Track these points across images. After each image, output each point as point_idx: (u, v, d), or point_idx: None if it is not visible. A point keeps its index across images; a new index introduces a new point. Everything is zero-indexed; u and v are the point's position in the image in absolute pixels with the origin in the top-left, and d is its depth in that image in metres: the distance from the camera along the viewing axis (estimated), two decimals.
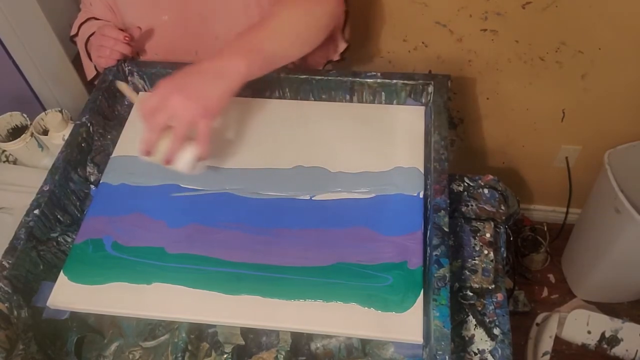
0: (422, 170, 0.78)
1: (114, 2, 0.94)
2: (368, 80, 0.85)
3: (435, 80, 0.84)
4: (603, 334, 1.45)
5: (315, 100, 0.89)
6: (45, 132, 1.02)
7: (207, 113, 0.67)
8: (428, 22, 1.20)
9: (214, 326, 0.72)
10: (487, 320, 0.75)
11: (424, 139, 0.82)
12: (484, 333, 0.73)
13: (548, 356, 1.44)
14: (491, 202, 0.85)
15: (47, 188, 0.75)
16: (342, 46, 0.95)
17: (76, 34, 0.98)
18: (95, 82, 0.96)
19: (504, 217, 0.84)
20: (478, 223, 0.81)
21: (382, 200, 0.76)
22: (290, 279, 0.69)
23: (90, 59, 0.95)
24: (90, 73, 0.98)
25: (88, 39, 0.94)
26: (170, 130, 0.69)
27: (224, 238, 0.73)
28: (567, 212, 1.60)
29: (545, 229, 1.69)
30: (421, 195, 0.75)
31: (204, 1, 0.88)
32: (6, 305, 0.68)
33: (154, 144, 0.69)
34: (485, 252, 0.78)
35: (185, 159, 0.71)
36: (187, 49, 0.93)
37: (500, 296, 0.76)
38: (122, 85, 0.84)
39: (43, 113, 1.02)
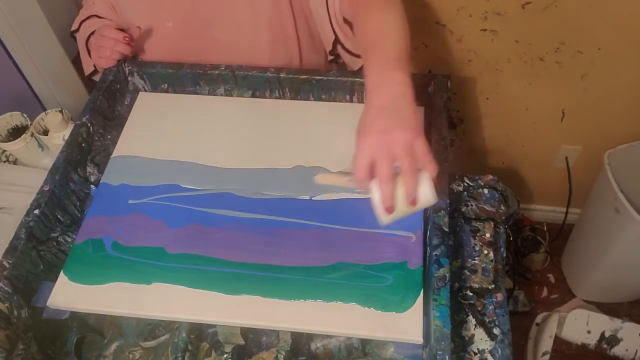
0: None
1: (117, 3, 0.94)
2: None
3: (435, 80, 0.84)
4: (603, 334, 1.45)
5: (315, 100, 0.89)
6: (45, 132, 1.02)
7: (417, 132, 0.61)
8: (428, 22, 1.20)
9: (214, 326, 0.73)
10: (487, 320, 0.75)
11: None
12: (484, 333, 0.73)
13: (548, 356, 1.44)
14: (491, 202, 0.85)
15: (47, 188, 0.75)
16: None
17: (77, 30, 0.98)
18: (93, 78, 0.96)
19: (503, 217, 0.84)
20: (478, 223, 0.81)
21: None
22: (290, 279, 0.69)
23: (90, 56, 0.95)
24: (88, 69, 0.98)
25: (89, 37, 0.94)
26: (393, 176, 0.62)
27: (224, 238, 0.73)
28: (567, 212, 1.60)
29: (545, 229, 1.69)
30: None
31: (209, 8, 0.88)
32: (6, 305, 0.68)
33: (392, 195, 0.62)
34: (485, 252, 0.78)
35: (427, 189, 0.62)
36: (190, 55, 0.93)
37: (500, 296, 0.76)
38: (323, 178, 0.75)
39: (43, 113, 1.02)
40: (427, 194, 0.62)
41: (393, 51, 0.70)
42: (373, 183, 0.62)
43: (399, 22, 0.76)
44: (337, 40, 0.88)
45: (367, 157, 0.61)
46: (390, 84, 0.66)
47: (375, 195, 0.62)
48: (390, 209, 0.62)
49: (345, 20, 0.85)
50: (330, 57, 0.94)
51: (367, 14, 0.77)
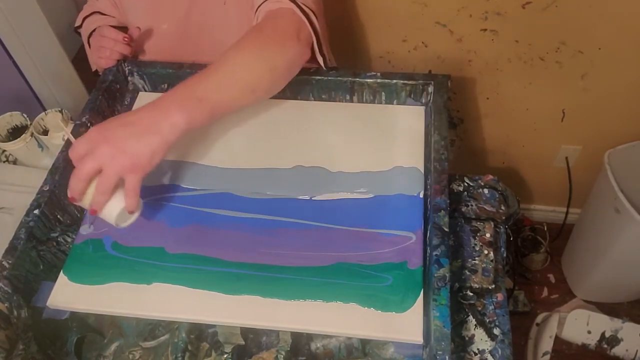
0: (422, 170, 0.78)
1: (120, 2, 0.94)
2: (368, 80, 0.85)
3: (435, 80, 0.84)
4: (603, 334, 1.45)
5: (315, 100, 0.89)
6: (45, 132, 1.02)
7: (135, 168, 0.63)
8: (428, 22, 1.20)
9: (214, 326, 0.72)
10: (487, 320, 0.75)
11: (424, 139, 0.82)
12: (484, 333, 0.73)
13: (548, 356, 1.44)
14: (491, 202, 0.85)
15: (47, 188, 0.75)
16: (321, 61, 0.86)
17: (80, 26, 0.98)
18: (100, 73, 0.96)
19: (504, 217, 0.84)
20: (478, 223, 0.81)
21: (382, 200, 0.76)
22: (290, 279, 0.69)
23: None
24: (94, 65, 0.98)
25: (91, 33, 0.94)
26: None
27: (224, 238, 0.73)
28: (567, 212, 1.60)
29: (545, 229, 1.69)
30: (421, 195, 0.75)
31: (204, 13, 0.88)
32: (6, 305, 0.68)
33: (81, 191, 0.65)
34: (485, 252, 0.78)
35: (113, 211, 0.66)
36: (185, 58, 0.93)
37: (500, 296, 0.76)
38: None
39: (43, 113, 1.02)
40: (111, 215, 0.67)
41: (204, 91, 0.67)
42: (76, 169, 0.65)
43: (252, 74, 0.71)
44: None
45: (86, 146, 0.63)
46: (162, 114, 0.64)
47: (73, 179, 0.65)
48: (72, 199, 0.66)
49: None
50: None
51: (232, 49, 0.72)
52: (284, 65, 0.73)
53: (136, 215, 0.70)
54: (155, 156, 0.64)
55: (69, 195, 0.66)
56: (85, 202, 0.67)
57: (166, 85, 0.93)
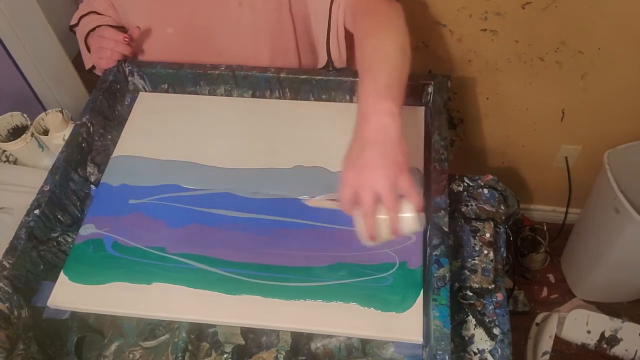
0: (422, 170, 0.78)
1: (118, 4, 0.94)
2: None
3: (435, 80, 0.84)
4: (603, 334, 1.45)
5: (315, 100, 0.89)
6: (45, 132, 1.02)
7: (400, 168, 0.63)
8: (428, 22, 1.20)
9: (214, 326, 0.73)
10: (487, 320, 0.75)
11: (424, 139, 0.82)
12: (483, 333, 0.73)
13: (548, 356, 1.44)
14: (491, 202, 0.85)
15: (48, 188, 0.75)
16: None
17: (76, 24, 0.98)
18: (94, 72, 0.96)
19: (503, 217, 0.84)
20: (478, 223, 0.81)
21: None
22: (290, 278, 0.69)
23: (89, 50, 0.95)
24: (88, 63, 0.98)
25: (88, 33, 0.94)
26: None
27: (224, 238, 0.73)
28: (566, 212, 1.60)
29: (545, 229, 1.69)
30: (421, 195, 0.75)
31: (209, 16, 0.88)
32: (6, 305, 0.68)
33: (374, 227, 0.64)
34: (485, 252, 0.78)
35: (411, 220, 0.64)
36: (189, 62, 0.93)
37: (500, 296, 0.76)
38: (314, 202, 0.78)
39: (43, 113, 1.02)
40: (410, 224, 0.64)
41: (384, 79, 0.70)
42: (357, 212, 0.64)
43: (396, 49, 0.75)
44: (329, 63, 0.89)
45: (349, 191, 0.63)
46: (376, 115, 0.66)
47: (360, 223, 0.64)
48: (373, 238, 0.64)
49: (346, 35, 0.85)
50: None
51: (366, 37, 0.76)
52: (404, 22, 0.80)
53: (424, 214, 0.67)
54: (403, 147, 0.65)
55: (368, 237, 0.64)
56: (383, 234, 0.64)
57: (166, 86, 0.93)
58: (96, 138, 0.85)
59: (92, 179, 0.83)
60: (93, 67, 0.97)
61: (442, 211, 0.69)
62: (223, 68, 0.88)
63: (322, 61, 0.90)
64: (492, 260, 0.77)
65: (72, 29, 1.00)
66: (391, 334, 0.64)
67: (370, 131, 0.65)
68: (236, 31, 0.89)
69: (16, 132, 1.03)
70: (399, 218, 0.63)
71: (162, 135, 0.86)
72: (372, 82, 0.70)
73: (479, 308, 0.76)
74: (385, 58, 0.73)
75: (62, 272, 0.71)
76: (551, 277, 1.68)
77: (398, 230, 0.64)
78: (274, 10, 0.86)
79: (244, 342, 0.72)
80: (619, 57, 1.19)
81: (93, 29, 0.92)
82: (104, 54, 0.89)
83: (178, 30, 0.90)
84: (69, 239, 0.77)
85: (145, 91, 0.94)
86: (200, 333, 0.73)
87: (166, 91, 0.94)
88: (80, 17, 0.97)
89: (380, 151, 0.64)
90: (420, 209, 0.64)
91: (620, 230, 1.31)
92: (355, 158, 0.65)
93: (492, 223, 0.81)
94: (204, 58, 0.92)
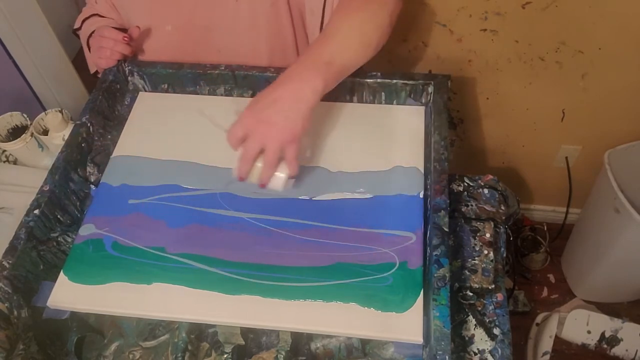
0: (422, 170, 0.78)
1: (119, 5, 0.94)
2: (368, 80, 0.85)
3: (435, 80, 0.84)
4: (603, 334, 1.45)
5: None
6: (45, 132, 1.02)
7: (293, 138, 0.69)
8: (428, 22, 1.20)
9: (214, 326, 0.72)
10: (487, 320, 0.75)
11: (424, 139, 0.82)
12: (484, 333, 0.73)
13: (548, 356, 1.44)
14: (491, 202, 0.85)
15: (47, 188, 0.75)
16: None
17: (79, 28, 0.98)
18: (99, 76, 0.96)
19: (503, 217, 0.84)
20: (478, 223, 0.81)
21: (382, 200, 0.76)
22: (290, 278, 0.69)
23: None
24: (92, 67, 0.98)
25: (91, 34, 0.94)
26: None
27: (224, 238, 0.73)
28: (567, 212, 1.60)
29: (545, 229, 1.69)
30: (421, 195, 0.75)
31: (209, 14, 0.88)
32: (6, 305, 0.68)
33: (248, 171, 0.71)
34: (485, 252, 0.78)
35: (280, 180, 0.73)
36: (188, 60, 0.93)
37: (500, 296, 0.76)
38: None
39: (43, 113, 1.02)
40: (279, 184, 0.73)
41: (329, 56, 0.73)
42: (239, 151, 0.71)
43: (360, 35, 0.76)
44: None
45: (241, 131, 0.69)
46: (301, 83, 0.70)
47: (237, 161, 0.71)
48: (241, 179, 0.72)
49: None
50: None
51: (340, 10, 0.78)
52: (387, 17, 0.79)
53: (293, 180, 0.75)
54: (306, 122, 0.69)
55: (237, 175, 0.72)
56: (253, 179, 0.72)
57: (166, 86, 0.93)
58: (96, 138, 0.85)
59: (92, 179, 0.83)
60: (97, 71, 0.97)
61: (442, 211, 0.69)
62: (223, 68, 0.88)
63: None
64: (492, 260, 0.77)
65: (75, 32, 1.00)
66: (391, 334, 0.64)
67: (287, 93, 0.70)
68: (234, 27, 0.89)
69: (16, 132, 1.03)
70: (272, 175, 0.71)
71: (162, 135, 0.86)
72: (318, 51, 0.73)
73: (479, 308, 0.76)
74: (344, 37, 0.75)
75: (62, 272, 0.71)
76: (551, 277, 1.68)
77: (265, 182, 0.72)
78: (271, 5, 0.86)
79: (244, 342, 0.72)
80: (619, 57, 1.19)
81: (94, 31, 0.93)
82: (103, 53, 0.89)
83: (177, 28, 0.91)
84: (69, 239, 0.77)
85: (145, 91, 0.94)
86: (200, 333, 0.73)
87: (166, 91, 0.93)
88: (83, 21, 0.97)
89: (285, 115, 0.68)
90: (292, 176, 0.72)
91: (620, 230, 1.31)
92: (260, 107, 0.69)
93: (492, 223, 0.81)
94: (202, 55, 0.92)
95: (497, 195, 0.85)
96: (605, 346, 1.45)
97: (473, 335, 0.73)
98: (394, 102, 0.87)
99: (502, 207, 0.84)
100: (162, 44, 0.93)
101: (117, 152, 0.85)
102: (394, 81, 0.84)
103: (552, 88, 1.30)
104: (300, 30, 0.92)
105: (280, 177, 0.73)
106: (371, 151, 0.81)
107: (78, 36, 1.00)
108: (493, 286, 0.75)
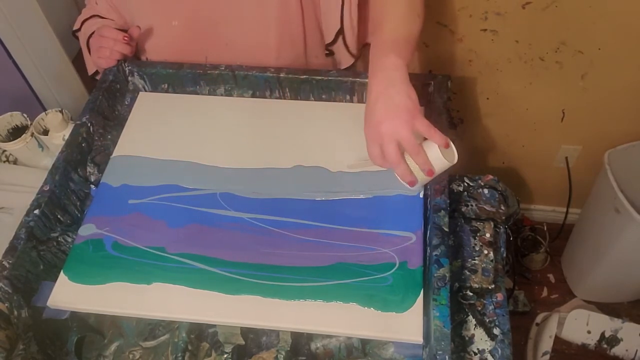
0: None
1: (123, 4, 0.93)
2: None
3: (435, 80, 0.84)
4: (603, 334, 1.45)
5: (315, 100, 0.89)
6: (45, 132, 1.02)
7: (412, 114, 0.68)
8: (428, 22, 1.20)
9: (214, 326, 0.72)
10: (487, 320, 0.75)
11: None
12: (483, 333, 0.73)
13: (548, 356, 1.44)
14: (491, 202, 0.85)
15: (47, 188, 0.75)
16: None
17: (79, 29, 0.98)
18: (97, 77, 0.96)
19: (503, 217, 0.84)
20: (478, 223, 0.81)
21: (382, 200, 0.76)
22: (290, 278, 0.69)
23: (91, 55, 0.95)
24: (91, 68, 0.98)
25: (90, 35, 0.94)
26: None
27: (224, 238, 0.73)
28: (567, 212, 1.60)
29: (545, 229, 1.69)
30: (421, 195, 0.75)
31: (215, 7, 0.87)
32: (6, 305, 0.68)
33: (408, 173, 0.70)
34: (485, 252, 0.78)
35: (438, 157, 0.70)
36: (196, 55, 0.92)
37: (500, 296, 0.76)
38: (354, 166, 0.81)
39: (43, 113, 1.02)
40: (439, 163, 0.69)
41: (390, 35, 0.74)
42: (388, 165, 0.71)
43: (405, 5, 0.78)
44: (340, 31, 0.89)
45: (375, 147, 0.69)
46: (384, 70, 0.71)
47: (396, 174, 0.72)
48: (412, 183, 0.71)
49: (360, 5, 0.87)
50: (326, 52, 0.94)
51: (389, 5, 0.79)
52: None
53: (451, 147, 0.71)
54: (413, 96, 0.69)
55: (409, 182, 0.71)
56: (420, 176, 0.71)
57: (166, 86, 0.93)
58: (96, 138, 0.85)
59: (92, 179, 0.83)
60: (95, 73, 0.97)
61: (442, 211, 0.69)
62: (223, 68, 0.88)
63: (328, 38, 0.91)
64: (492, 260, 0.77)
65: (75, 34, 1.00)
66: (391, 334, 0.64)
67: (380, 86, 0.70)
68: (241, 18, 0.88)
69: (16, 132, 1.03)
70: (427, 159, 0.68)
71: (162, 135, 0.86)
72: (379, 39, 0.74)
73: (479, 308, 0.76)
74: (392, 14, 0.77)
75: (62, 272, 0.71)
76: (551, 277, 1.68)
77: (430, 170, 0.69)
78: None
79: (244, 342, 0.72)
80: (619, 57, 1.19)
81: (94, 31, 0.92)
82: (103, 53, 0.89)
83: (183, 23, 0.90)
84: (69, 239, 0.77)
85: (145, 91, 0.94)
86: (200, 333, 0.73)
87: (166, 91, 0.93)
88: (83, 22, 0.97)
89: (388, 103, 0.69)
90: (445, 145, 0.69)
91: (620, 230, 1.31)
92: (370, 115, 0.70)
93: (492, 223, 0.81)
94: (210, 49, 0.92)
95: (497, 195, 0.85)
96: (605, 346, 1.45)
97: (473, 335, 0.73)
98: None
99: (502, 207, 0.84)
100: (169, 40, 0.92)
101: (117, 152, 0.85)
102: None
103: (552, 88, 1.30)
104: (310, 18, 0.90)
105: (437, 154, 0.69)
106: None
107: (77, 38, 1.00)
108: (493, 286, 0.75)
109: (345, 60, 0.95)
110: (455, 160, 0.71)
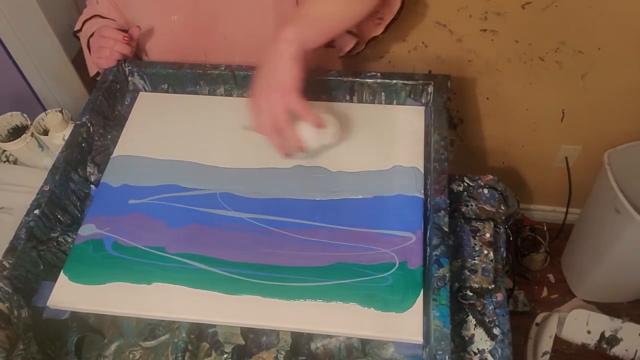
0: (422, 170, 0.78)
1: (122, 1, 0.93)
2: (368, 80, 0.85)
3: (435, 80, 0.84)
4: (603, 334, 1.45)
5: (315, 100, 0.89)
6: (45, 132, 1.02)
7: (288, 93, 0.70)
8: (428, 22, 1.20)
9: (214, 326, 0.73)
10: (487, 320, 0.75)
11: (424, 139, 0.82)
12: (483, 333, 0.73)
13: (548, 356, 1.44)
14: (491, 202, 0.85)
15: (48, 188, 0.75)
16: (397, 5, 0.93)
17: (80, 30, 0.98)
18: (97, 79, 0.96)
19: (503, 217, 0.84)
20: (478, 223, 0.81)
21: (382, 200, 0.76)
22: (290, 278, 0.69)
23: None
24: (92, 70, 0.98)
25: (91, 36, 0.94)
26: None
27: (224, 238, 0.73)
28: (566, 212, 1.60)
29: (545, 229, 1.69)
30: (421, 195, 0.75)
31: (215, 1, 0.87)
32: (6, 305, 0.68)
33: (282, 144, 0.73)
34: (485, 252, 0.78)
35: (309, 137, 0.74)
36: (196, 49, 0.92)
37: (500, 296, 0.76)
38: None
39: (43, 113, 1.02)
40: (310, 140, 0.74)
41: (306, 9, 0.75)
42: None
43: None
44: None
45: (254, 117, 0.73)
46: (278, 42, 0.72)
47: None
48: (286, 156, 0.76)
49: None
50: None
51: None
52: None
53: (330, 129, 0.76)
54: (293, 71, 0.71)
55: (282, 153, 0.76)
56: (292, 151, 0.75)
57: (166, 86, 0.93)
58: (96, 138, 0.85)
59: (92, 179, 0.83)
60: (98, 74, 0.97)
61: (442, 211, 0.69)
62: (223, 68, 0.88)
63: None
64: (492, 260, 0.77)
65: (76, 34, 1.00)
66: (391, 334, 0.64)
67: (267, 56, 0.72)
68: (240, 11, 0.88)
69: (16, 132, 1.03)
70: (295, 136, 0.73)
71: (162, 135, 0.86)
72: (296, 11, 0.75)
73: (479, 308, 0.76)
74: None
75: (62, 272, 0.71)
76: (551, 277, 1.68)
77: (302, 147, 0.74)
78: None
79: (244, 342, 0.72)
80: (619, 57, 1.19)
81: (95, 31, 0.92)
82: (103, 53, 0.89)
83: (183, 17, 0.90)
84: (69, 239, 0.77)
85: (145, 91, 0.94)
86: (200, 333, 0.73)
87: (166, 91, 0.93)
88: (84, 23, 0.97)
89: (269, 76, 0.71)
90: (318, 125, 0.73)
91: (620, 230, 1.31)
92: (254, 84, 0.73)
93: (492, 223, 0.81)
94: (210, 44, 0.92)
95: (497, 195, 0.85)
96: (605, 346, 1.45)
97: (473, 335, 0.73)
98: (394, 102, 0.87)
99: (502, 207, 0.85)
100: (170, 35, 0.92)
101: (117, 152, 0.85)
102: (394, 81, 0.84)
103: (552, 88, 1.30)
104: None
105: (308, 134, 0.73)
106: (371, 151, 0.81)
107: (79, 38, 1.00)
108: (493, 286, 0.75)
109: (346, 43, 0.96)
110: (334, 140, 0.76)
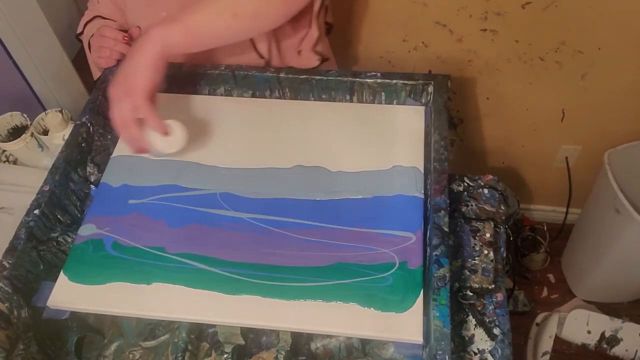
0: (422, 170, 0.78)
1: (122, 0, 0.93)
2: (368, 80, 0.85)
3: (435, 80, 0.84)
4: (603, 334, 1.45)
5: (315, 100, 0.89)
6: (45, 132, 1.02)
7: (137, 93, 0.70)
8: (428, 22, 1.20)
9: (214, 326, 0.73)
10: (487, 320, 0.75)
11: (424, 139, 0.82)
12: (483, 333, 0.73)
13: (548, 356, 1.44)
14: (491, 202, 0.85)
15: (47, 188, 0.75)
16: (314, 34, 0.91)
17: (82, 32, 0.98)
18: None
19: (503, 217, 0.84)
20: (478, 223, 0.81)
21: (382, 200, 0.76)
22: (290, 278, 0.69)
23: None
24: (96, 74, 0.98)
25: (92, 36, 0.94)
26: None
27: (224, 238, 0.73)
28: (567, 212, 1.60)
29: (545, 229, 1.69)
30: (421, 195, 0.75)
31: None
32: (6, 305, 0.68)
33: (130, 139, 0.74)
34: (485, 252, 0.78)
35: (155, 140, 0.76)
36: None
37: (500, 296, 0.76)
38: None
39: (43, 113, 1.02)
40: (154, 144, 0.76)
41: (182, 14, 0.73)
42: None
43: (226, 6, 0.73)
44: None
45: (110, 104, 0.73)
46: (143, 37, 0.72)
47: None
48: (137, 151, 0.76)
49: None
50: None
51: None
52: (253, 6, 0.75)
53: (178, 139, 0.78)
54: (147, 73, 0.71)
55: (132, 148, 0.75)
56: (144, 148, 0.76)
57: (166, 85, 0.92)
58: (96, 138, 0.85)
59: (92, 179, 0.83)
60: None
61: (442, 211, 0.69)
62: (223, 68, 0.88)
63: None
64: (492, 260, 0.77)
65: (78, 37, 1.00)
66: (391, 334, 0.64)
67: (132, 50, 0.73)
68: None
69: (16, 132, 1.03)
70: (132, 138, 0.74)
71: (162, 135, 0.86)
72: (179, 12, 0.73)
73: (479, 308, 0.76)
74: (209, 3, 0.74)
75: (62, 272, 0.71)
76: (551, 277, 1.68)
77: (143, 148, 0.75)
78: None
79: (244, 342, 0.72)
80: (619, 57, 1.19)
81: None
82: (103, 53, 0.89)
83: (172, 13, 0.89)
84: (69, 239, 0.77)
85: None
86: (200, 333, 0.73)
87: (166, 91, 0.93)
88: (85, 25, 0.97)
89: (127, 72, 0.72)
90: (163, 133, 0.74)
91: (620, 230, 1.31)
92: (115, 75, 0.74)
93: (492, 223, 0.81)
94: None
95: (497, 195, 0.85)
96: (605, 346, 1.45)
97: (473, 335, 0.73)
98: (394, 102, 0.87)
99: (502, 207, 0.85)
100: None
101: (117, 152, 0.85)
102: (394, 81, 0.84)
103: (552, 88, 1.30)
104: None
105: (152, 133, 0.75)
106: (371, 151, 0.81)
107: (81, 41, 1.00)
108: (493, 286, 0.75)
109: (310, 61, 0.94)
110: (174, 150, 0.77)
